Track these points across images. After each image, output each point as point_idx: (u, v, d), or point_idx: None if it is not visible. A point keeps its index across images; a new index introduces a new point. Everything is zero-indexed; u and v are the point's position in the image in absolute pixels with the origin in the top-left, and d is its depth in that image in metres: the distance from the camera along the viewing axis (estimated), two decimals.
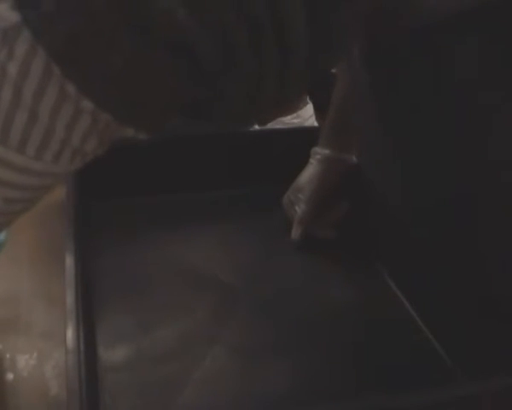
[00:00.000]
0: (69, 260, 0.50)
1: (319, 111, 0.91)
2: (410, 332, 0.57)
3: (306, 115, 0.92)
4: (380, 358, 0.54)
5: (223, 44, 0.32)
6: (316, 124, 0.75)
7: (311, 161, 0.69)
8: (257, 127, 0.71)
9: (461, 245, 0.51)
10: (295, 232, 0.67)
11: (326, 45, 0.37)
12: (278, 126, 0.70)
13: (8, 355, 0.53)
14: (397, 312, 0.59)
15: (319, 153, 0.68)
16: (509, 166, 0.45)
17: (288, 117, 0.85)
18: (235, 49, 0.33)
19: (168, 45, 0.31)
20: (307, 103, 0.93)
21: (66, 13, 0.31)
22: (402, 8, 0.40)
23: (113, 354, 0.52)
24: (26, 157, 0.33)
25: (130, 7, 0.31)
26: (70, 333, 0.42)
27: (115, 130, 0.35)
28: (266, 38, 0.33)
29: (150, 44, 0.31)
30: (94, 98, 0.32)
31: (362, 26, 0.40)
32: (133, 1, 0.31)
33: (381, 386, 0.51)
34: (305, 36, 0.34)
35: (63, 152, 0.34)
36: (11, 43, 0.31)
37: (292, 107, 0.84)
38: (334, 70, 0.65)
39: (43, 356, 0.53)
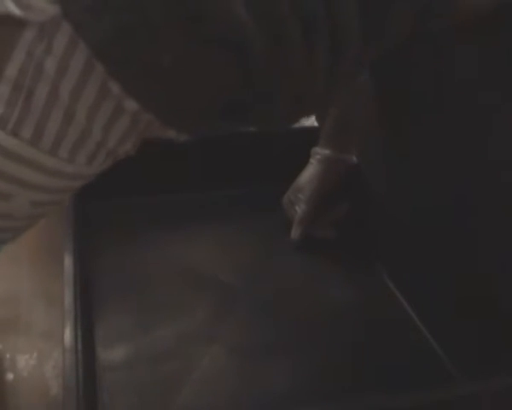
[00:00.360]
0: (68, 260, 0.50)
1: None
2: (410, 332, 0.57)
3: None
4: (379, 358, 0.54)
5: (275, 40, 0.31)
6: (316, 124, 0.74)
7: (311, 161, 0.69)
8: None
9: (460, 245, 0.51)
10: (295, 232, 0.67)
11: (376, 40, 0.35)
12: None
13: (8, 355, 0.53)
14: (396, 312, 0.59)
15: (319, 153, 0.68)
16: (508, 166, 0.45)
17: None
18: (287, 45, 0.31)
19: (221, 42, 0.30)
20: None
21: (113, 7, 0.29)
22: (442, 7, 0.38)
23: (111, 354, 0.52)
24: (59, 160, 0.32)
25: (185, 2, 0.29)
26: (68, 332, 0.42)
27: (155, 131, 0.34)
28: (319, 34, 0.32)
29: (202, 41, 0.30)
30: (139, 98, 0.31)
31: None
32: None
33: (380, 386, 0.51)
34: (357, 32, 0.33)
35: (98, 154, 0.33)
36: (49, 37, 0.29)
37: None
38: None
39: (43, 356, 0.53)
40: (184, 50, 0.30)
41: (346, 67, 0.34)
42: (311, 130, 0.73)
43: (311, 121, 0.76)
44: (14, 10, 0.28)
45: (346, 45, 0.33)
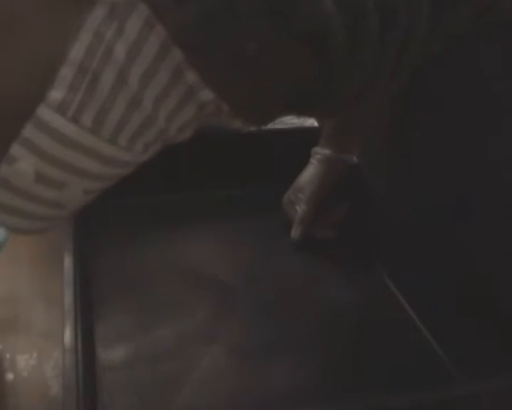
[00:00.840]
0: (68, 260, 0.50)
1: None
2: (410, 332, 0.57)
3: None
4: (379, 358, 0.54)
5: (356, 34, 0.30)
6: (316, 124, 0.74)
7: (312, 160, 0.69)
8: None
9: (460, 245, 0.51)
10: (295, 232, 0.67)
11: (437, 41, 0.35)
12: (278, 126, 0.69)
13: (8, 355, 0.53)
14: (396, 312, 0.59)
15: (319, 153, 0.68)
16: (509, 165, 0.45)
17: (289, 117, 0.85)
18: (366, 39, 0.30)
19: (306, 34, 0.29)
20: None
21: None
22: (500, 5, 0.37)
23: (111, 354, 0.52)
24: (117, 148, 0.30)
25: None
26: (68, 332, 0.42)
27: (218, 120, 0.32)
28: (395, 30, 0.31)
29: (288, 32, 0.28)
30: (217, 87, 0.29)
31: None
32: None
33: (380, 386, 0.51)
34: (425, 31, 0.32)
35: (156, 142, 0.31)
36: (121, 19, 0.27)
37: None
38: None
39: (42, 356, 0.53)
40: (268, 42, 0.28)
41: (407, 64, 0.34)
42: (311, 130, 0.73)
43: (310, 121, 0.76)
44: None
45: (414, 43, 0.32)
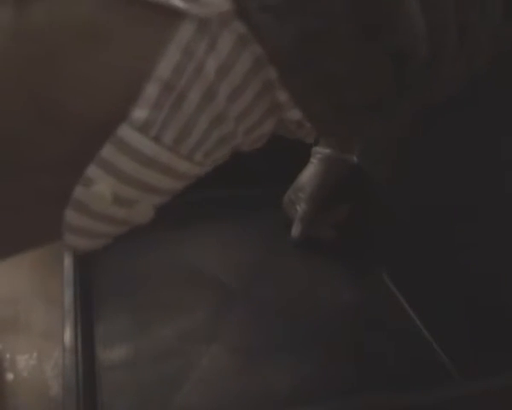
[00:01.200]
0: (68, 260, 0.50)
1: None
2: (410, 332, 0.57)
3: None
4: (379, 358, 0.54)
5: (434, 47, 0.29)
6: None
7: (312, 160, 0.69)
8: None
9: (460, 245, 0.51)
10: (295, 231, 0.67)
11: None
12: None
13: (8, 355, 0.53)
14: (396, 312, 0.59)
15: (320, 152, 0.68)
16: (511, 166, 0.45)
17: None
18: (444, 51, 0.30)
19: (396, 51, 0.28)
20: None
21: (297, 9, 0.26)
22: None
23: (111, 353, 0.52)
24: (192, 164, 0.29)
25: (371, 11, 0.27)
26: (68, 332, 0.42)
27: (290, 132, 0.32)
28: (467, 42, 0.30)
29: (382, 50, 0.28)
30: (306, 108, 0.28)
31: None
32: (376, 5, 0.27)
33: (380, 386, 0.51)
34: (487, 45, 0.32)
35: (224, 157, 0.31)
36: (213, 35, 0.26)
37: None
38: None
39: (42, 356, 0.53)
40: (359, 60, 0.28)
41: (476, 70, 0.34)
42: None
43: None
44: (176, 1, 0.25)
45: (476, 56, 0.32)
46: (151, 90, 0.26)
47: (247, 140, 0.30)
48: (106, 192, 0.28)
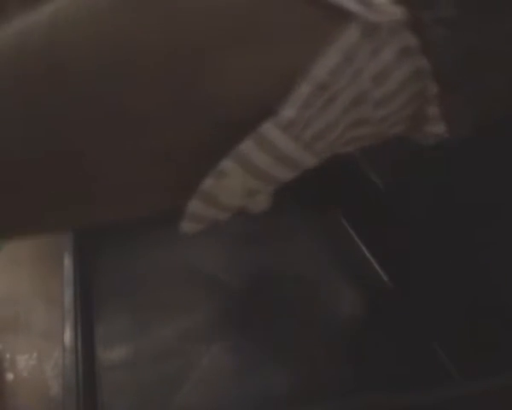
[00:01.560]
0: (68, 259, 0.50)
1: None
2: (410, 332, 0.57)
3: None
4: (379, 358, 0.54)
5: None
6: None
7: None
8: None
9: (461, 246, 0.51)
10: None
11: None
12: None
13: (8, 355, 0.53)
14: (396, 312, 0.59)
15: None
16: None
17: None
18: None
19: None
20: None
21: (468, 23, 0.25)
22: None
23: (111, 353, 0.52)
24: (317, 159, 0.28)
25: None
26: (68, 332, 0.42)
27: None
28: None
29: None
30: (452, 124, 0.27)
31: None
32: None
33: (380, 386, 0.51)
34: None
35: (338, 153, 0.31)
36: (379, 42, 0.25)
37: None
38: None
39: (42, 356, 0.53)
40: None
41: None
42: None
43: None
44: (349, 3, 0.24)
45: None
46: (304, 90, 0.25)
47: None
48: (238, 186, 0.28)
